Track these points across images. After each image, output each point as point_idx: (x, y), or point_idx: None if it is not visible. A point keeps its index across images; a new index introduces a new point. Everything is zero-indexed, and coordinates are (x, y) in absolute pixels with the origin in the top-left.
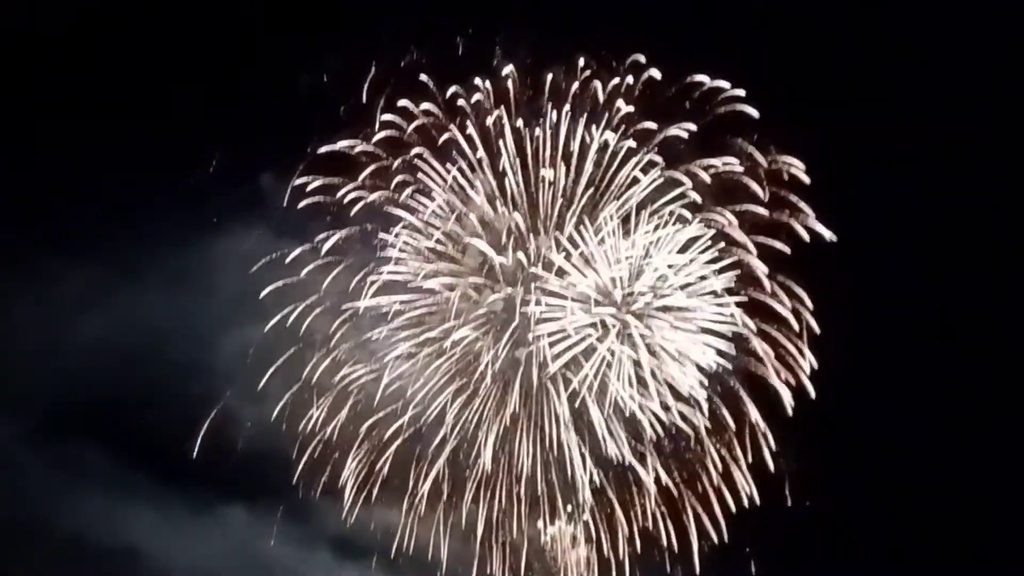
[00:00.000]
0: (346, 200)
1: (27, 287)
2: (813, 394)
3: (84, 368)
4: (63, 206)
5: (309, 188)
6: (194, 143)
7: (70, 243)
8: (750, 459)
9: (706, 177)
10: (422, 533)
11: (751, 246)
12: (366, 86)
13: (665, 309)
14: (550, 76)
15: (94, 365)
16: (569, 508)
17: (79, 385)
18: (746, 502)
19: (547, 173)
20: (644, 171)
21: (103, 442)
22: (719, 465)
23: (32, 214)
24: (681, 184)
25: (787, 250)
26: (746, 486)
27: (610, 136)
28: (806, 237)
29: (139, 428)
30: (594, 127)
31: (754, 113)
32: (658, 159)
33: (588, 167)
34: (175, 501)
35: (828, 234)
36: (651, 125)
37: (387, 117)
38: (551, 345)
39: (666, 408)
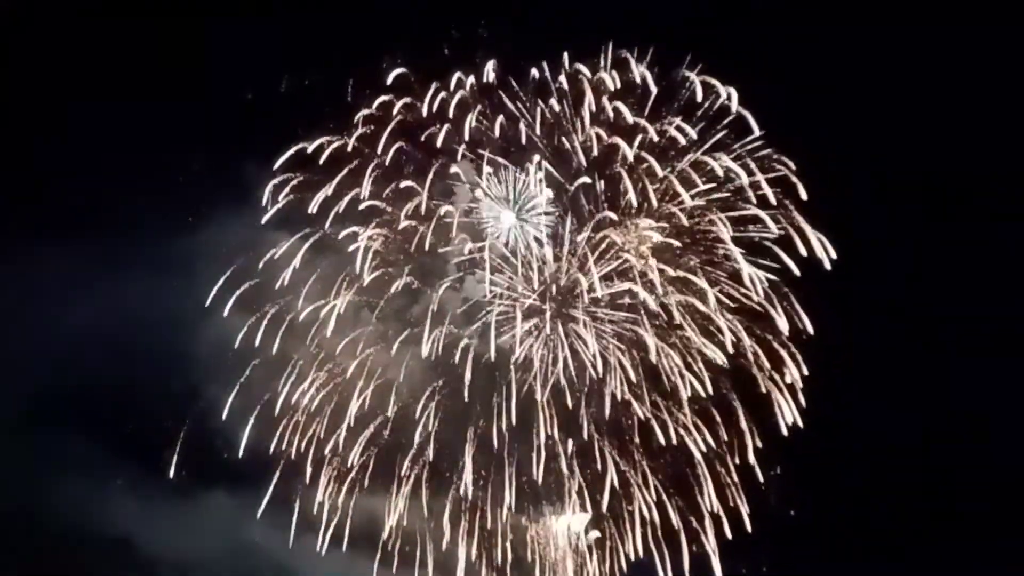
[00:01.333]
0: (327, 194)
1: (9, 274)
2: (804, 402)
3: (67, 356)
4: (46, 193)
5: (290, 184)
6: (179, 134)
7: (54, 230)
8: (737, 460)
9: (696, 177)
10: (409, 519)
11: (737, 252)
12: (350, 84)
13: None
14: (535, 71)
15: (78, 353)
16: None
17: (62, 373)
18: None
19: (531, 167)
20: (631, 168)
21: (87, 431)
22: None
23: (15, 201)
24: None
25: (792, 264)
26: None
27: (594, 131)
28: (802, 250)
29: (123, 416)
30: (579, 122)
31: (749, 118)
32: (648, 157)
33: (573, 165)
34: (160, 489)
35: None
36: (639, 121)
37: (367, 112)
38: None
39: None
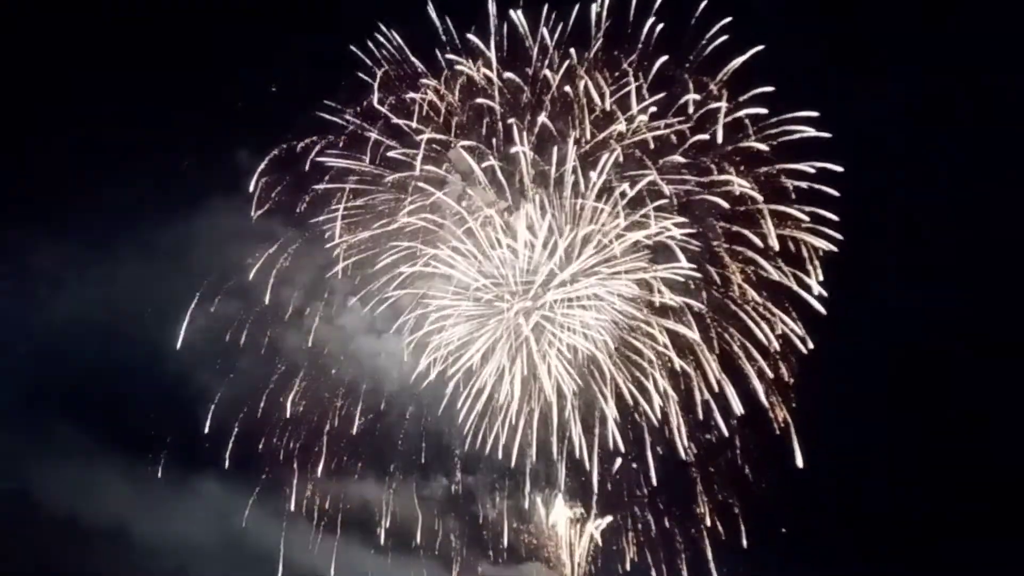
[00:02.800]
0: (317, 192)
1: (3, 265)
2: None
3: (60, 343)
4: (41, 187)
5: (283, 181)
6: (174, 131)
7: (44, 218)
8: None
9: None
10: (399, 506)
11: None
12: (343, 83)
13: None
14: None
15: (70, 344)
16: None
17: (56, 363)
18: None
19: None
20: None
21: (82, 422)
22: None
23: (9, 193)
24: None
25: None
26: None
27: (584, 128)
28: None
29: (116, 408)
30: (571, 117)
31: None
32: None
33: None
34: (155, 480)
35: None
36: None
37: (359, 110)
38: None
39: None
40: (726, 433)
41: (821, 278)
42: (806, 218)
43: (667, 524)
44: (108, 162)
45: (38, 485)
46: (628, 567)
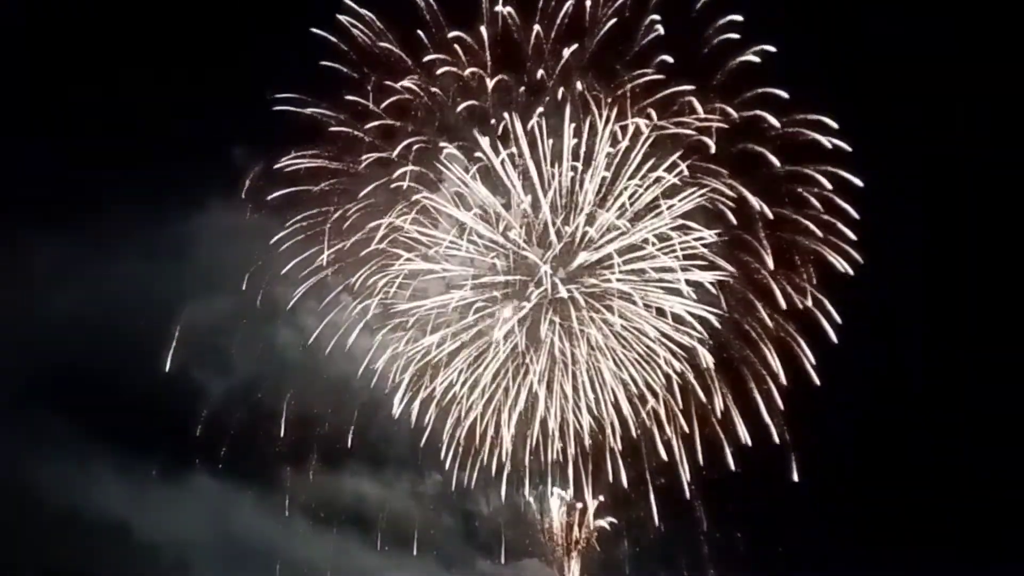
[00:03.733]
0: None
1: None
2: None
3: (57, 340)
4: (36, 179)
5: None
6: (172, 130)
7: (42, 216)
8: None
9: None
10: (397, 504)
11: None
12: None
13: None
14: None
15: (67, 337)
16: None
17: (52, 357)
18: None
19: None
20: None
21: (79, 418)
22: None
23: (7, 189)
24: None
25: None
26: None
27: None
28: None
29: (111, 400)
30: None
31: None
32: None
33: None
34: (153, 477)
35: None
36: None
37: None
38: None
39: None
40: (731, 462)
41: (815, 281)
42: (820, 232)
43: (663, 529)
44: (108, 162)
45: (38, 483)
46: (627, 568)
